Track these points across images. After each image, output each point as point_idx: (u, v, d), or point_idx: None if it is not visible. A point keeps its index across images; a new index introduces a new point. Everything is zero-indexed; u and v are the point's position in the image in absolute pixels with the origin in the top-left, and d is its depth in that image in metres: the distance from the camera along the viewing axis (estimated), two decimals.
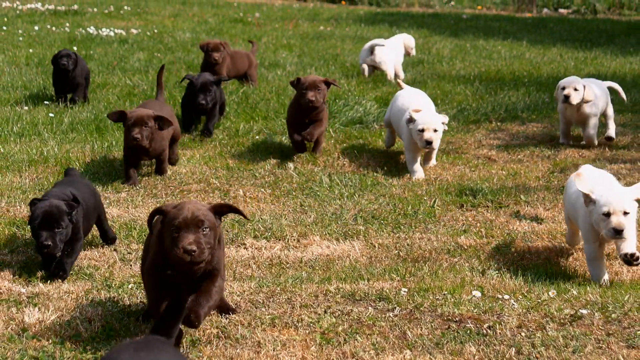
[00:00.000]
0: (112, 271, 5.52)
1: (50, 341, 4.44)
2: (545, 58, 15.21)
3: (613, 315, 4.87)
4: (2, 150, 7.87)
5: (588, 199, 5.54)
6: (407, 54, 12.69)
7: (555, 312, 4.95)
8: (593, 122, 8.71)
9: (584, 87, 8.58)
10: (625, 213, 5.40)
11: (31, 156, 7.77)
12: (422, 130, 7.63)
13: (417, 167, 7.85)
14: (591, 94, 8.61)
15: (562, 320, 4.84)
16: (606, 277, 5.65)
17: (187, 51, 14.02)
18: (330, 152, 8.42)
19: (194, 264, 4.18)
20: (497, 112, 10.34)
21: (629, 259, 5.47)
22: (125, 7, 20.09)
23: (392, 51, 12.13)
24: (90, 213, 5.66)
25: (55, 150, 7.99)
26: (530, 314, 4.96)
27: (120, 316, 4.76)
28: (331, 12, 22.56)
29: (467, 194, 7.33)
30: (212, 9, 21.51)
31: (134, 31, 16.16)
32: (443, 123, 7.80)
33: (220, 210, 4.38)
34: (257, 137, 8.82)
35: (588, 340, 4.60)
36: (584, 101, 8.56)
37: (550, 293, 5.26)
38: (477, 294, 5.23)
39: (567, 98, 8.52)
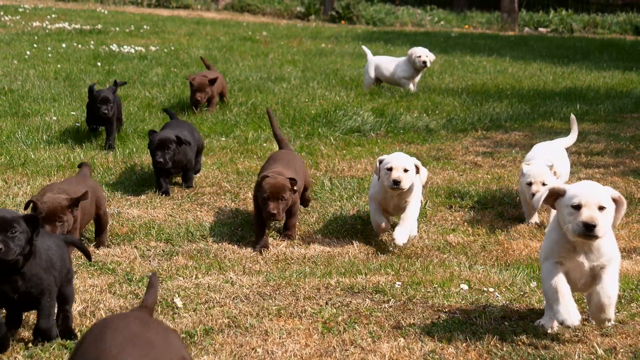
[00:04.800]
0: (133, 266, 5.52)
1: (76, 330, 4.44)
2: (527, 72, 15.22)
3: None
4: (32, 157, 7.88)
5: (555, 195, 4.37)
6: (418, 63, 11.81)
7: (536, 304, 4.95)
8: None
9: (555, 173, 6.54)
10: (601, 208, 4.21)
11: (59, 162, 7.78)
12: (390, 169, 6.04)
13: (381, 217, 6.22)
14: (560, 181, 6.69)
15: (542, 311, 4.83)
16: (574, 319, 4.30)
17: (201, 67, 14.02)
18: (331, 158, 8.42)
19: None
20: (483, 122, 10.35)
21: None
22: (145, 27, 20.11)
23: (382, 66, 12.18)
24: (57, 272, 4.32)
25: (81, 156, 8.00)
26: (513, 305, 4.96)
27: None
28: (332, 31, 22.57)
29: (455, 196, 7.33)
30: (223, 28, 21.53)
31: (153, 48, 16.18)
32: (416, 166, 6.17)
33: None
34: (264, 144, 8.82)
35: (566, 329, 4.59)
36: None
37: (531, 285, 5.26)
38: (465, 287, 5.23)
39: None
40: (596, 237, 4.16)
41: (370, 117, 9.98)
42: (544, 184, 6.37)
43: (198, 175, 7.65)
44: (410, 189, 6.16)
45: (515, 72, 15.16)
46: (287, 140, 7.49)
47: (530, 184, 6.45)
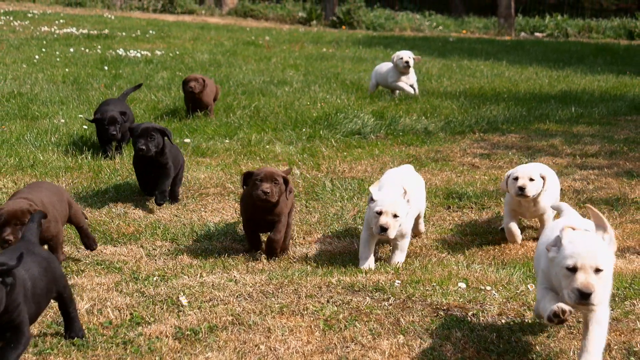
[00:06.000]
0: (139, 265, 5.52)
1: (84, 327, 4.44)
2: (523, 76, 15.21)
3: None
4: (41, 158, 7.88)
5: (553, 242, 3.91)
6: (401, 64, 11.71)
7: (531, 301, 4.94)
8: (550, 216, 6.27)
9: (543, 177, 6.19)
10: (598, 270, 3.73)
11: (67, 163, 7.79)
12: (380, 213, 5.53)
13: (370, 256, 5.71)
14: (550, 181, 6.32)
15: None
16: None
17: (205, 70, 14.05)
18: (332, 160, 8.43)
19: None
20: (480, 124, 10.35)
21: None
22: (151, 32, 20.12)
23: (378, 72, 12.21)
24: (38, 295, 3.91)
25: (89, 158, 8.01)
26: (509, 303, 4.96)
27: (146, 305, 4.77)
28: (333, 35, 22.57)
29: (453, 197, 7.33)
30: (227, 33, 21.54)
31: (158, 53, 16.19)
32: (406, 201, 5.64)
33: None
34: (267, 146, 8.83)
35: (561, 326, 4.59)
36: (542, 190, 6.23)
37: (528, 286, 5.26)
38: (463, 285, 5.22)
39: (522, 190, 6.09)
40: (592, 304, 3.70)
41: (370, 119, 9.99)
42: (531, 180, 6.12)
43: (204, 177, 7.65)
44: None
45: (511, 76, 15.15)
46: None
47: (516, 178, 6.15)
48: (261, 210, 5.73)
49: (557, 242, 3.83)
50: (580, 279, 3.66)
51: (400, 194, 5.62)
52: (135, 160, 6.89)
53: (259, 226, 5.85)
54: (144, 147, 6.62)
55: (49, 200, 5.19)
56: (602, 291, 3.71)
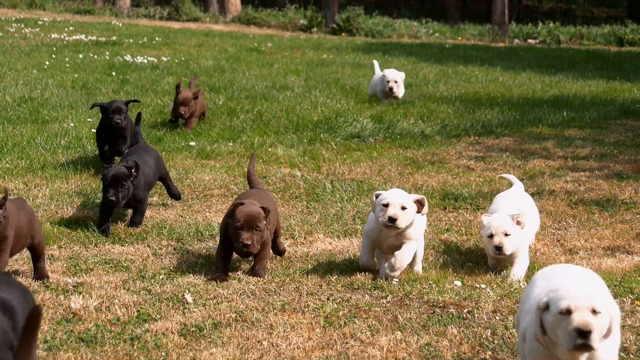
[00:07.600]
0: (146, 264, 5.52)
1: (92, 324, 4.45)
2: (516, 81, 15.22)
3: None
4: (51, 161, 7.89)
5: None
6: (387, 87, 11.55)
7: None
8: (523, 257, 5.52)
9: (519, 222, 5.42)
10: (595, 311, 3.28)
11: (76, 166, 7.79)
12: (386, 205, 5.14)
13: (369, 257, 5.41)
14: (523, 234, 5.51)
15: None
16: None
17: (210, 76, 14.05)
18: (332, 162, 8.43)
19: None
20: (475, 128, 10.36)
21: None
22: (157, 38, 20.12)
23: (374, 82, 12.17)
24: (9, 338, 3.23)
25: (97, 160, 8.00)
26: (503, 300, 4.96)
27: (153, 302, 4.77)
28: (333, 42, 22.58)
29: (449, 198, 7.33)
30: (230, 39, 21.54)
31: (164, 59, 16.19)
32: (417, 201, 5.26)
33: None
34: (269, 149, 8.83)
35: None
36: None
37: (521, 284, 5.26)
38: (458, 283, 5.23)
39: (499, 250, 5.36)
40: (591, 348, 3.24)
41: (369, 123, 10.00)
42: (506, 235, 5.38)
43: (209, 178, 7.65)
44: (408, 228, 5.26)
45: (505, 81, 15.16)
46: (261, 183, 6.50)
47: (491, 235, 5.41)
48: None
49: (541, 306, 3.39)
50: (577, 318, 3.24)
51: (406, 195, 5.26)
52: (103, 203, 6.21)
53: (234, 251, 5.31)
54: (113, 199, 6.05)
55: (15, 209, 4.83)
56: (601, 334, 3.28)
